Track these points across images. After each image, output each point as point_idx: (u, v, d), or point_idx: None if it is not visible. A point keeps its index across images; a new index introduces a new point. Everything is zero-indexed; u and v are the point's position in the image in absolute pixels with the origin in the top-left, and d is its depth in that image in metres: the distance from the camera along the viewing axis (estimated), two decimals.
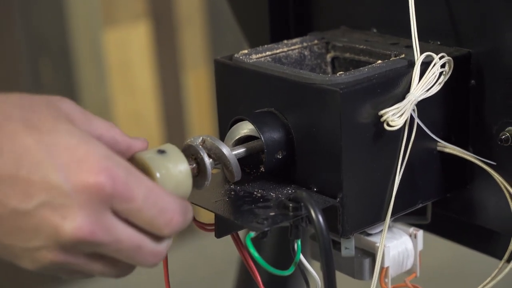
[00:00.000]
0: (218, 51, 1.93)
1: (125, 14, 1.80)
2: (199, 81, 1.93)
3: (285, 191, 0.61)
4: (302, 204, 0.57)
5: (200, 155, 0.59)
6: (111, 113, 1.81)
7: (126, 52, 1.81)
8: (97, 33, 1.77)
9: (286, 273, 0.59)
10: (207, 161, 0.59)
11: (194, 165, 0.59)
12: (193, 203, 0.62)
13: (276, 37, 0.76)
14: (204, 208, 0.60)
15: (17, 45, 1.66)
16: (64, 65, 1.73)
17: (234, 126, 0.63)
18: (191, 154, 0.59)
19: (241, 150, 0.62)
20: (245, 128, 0.62)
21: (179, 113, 1.92)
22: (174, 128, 1.92)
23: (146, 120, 1.87)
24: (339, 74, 0.60)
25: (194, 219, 0.64)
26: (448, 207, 0.70)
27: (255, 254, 0.56)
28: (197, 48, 1.91)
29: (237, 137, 0.63)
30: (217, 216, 0.61)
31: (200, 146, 0.59)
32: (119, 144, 0.55)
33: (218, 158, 0.60)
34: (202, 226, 0.64)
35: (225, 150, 0.60)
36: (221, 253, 1.84)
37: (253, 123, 0.61)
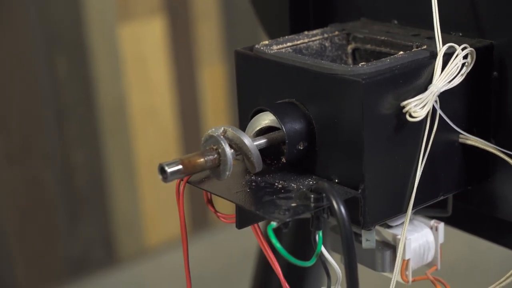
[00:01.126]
0: (234, 46, 1.93)
1: (141, 9, 1.80)
2: (215, 76, 1.93)
3: (306, 182, 0.61)
4: (324, 195, 0.57)
5: (222, 145, 0.59)
6: (126, 108, 1.81)
7: (141, 47, 1.81)
8: (113, 28, 1.77)
9: (308, 264, 0.59)
10: (228, 151, 0.58)
11: (216, 155, 0.59)
12: (214, 194, 0.62)
13: (296, 28, 0.76)
14: (225, 198, 0.60)
15: (32, 40, 1.66)
16: (79, 60, 1.73)
17: (255, 117, 0.63)
18: (212, 144, 0.59)
19: (262, 141, 0.61)
20: (266, 119, 0.62)
21: (195, 108, 1.92)
22: (189, 123, 1.92)
23: (162, 115, 1.87)
24: (361, 65, 0.60)
25: (215, 210, 0.64)
26: (468, 200, 0.70)
27: (277, 244, 0.55)
28: (213, 43, 1.91)
29: (258, 128, 0.63)
30: (238, 207, 0.61)
31: (222, 137, 0.59)
32: None
33: (239, 149, 0.60)
34: (223, 217, 0.64)
35: (247, 140, 0.60)
36: (236, 247, 1.85)
37: (274, 114, 0.61)
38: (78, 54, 1.73)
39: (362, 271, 0.63)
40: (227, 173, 0.59)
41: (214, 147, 0.59)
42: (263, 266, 0.95)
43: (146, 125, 1.86)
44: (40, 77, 1.68)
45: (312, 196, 0.58)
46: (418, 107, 0.60)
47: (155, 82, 1.85)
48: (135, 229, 1.88)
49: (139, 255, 1.89)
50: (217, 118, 1.96)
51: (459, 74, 0.62)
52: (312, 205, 0.57)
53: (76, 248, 1.79)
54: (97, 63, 1.75)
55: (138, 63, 1.81)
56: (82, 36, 1.72)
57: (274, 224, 0.56)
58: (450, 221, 0.72)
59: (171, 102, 1.88)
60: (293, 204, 0.58)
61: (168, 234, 1.92)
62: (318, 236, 0.59)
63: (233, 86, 1.95)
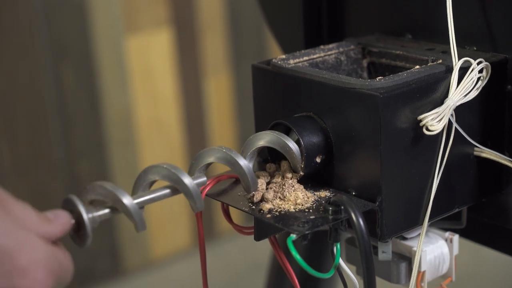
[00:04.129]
0: (239, 57, 1.94)
1: (147, 21, 1.81)
2: (221, 87, 1.94)
3: (323, 195, 0.62)
4: (342, 207, 0.58)
5: (78, 209, 0.55)
6: (133, 119, 1.82)
7: (148, 58, 1.82)
8: (119, 39, 1.77)
9: (327, 275, 0.59)
10: (85, 216, 0.55)
11: (73, 221, 0.55)
12: (232, 206, 0.62)
13: (310, 42, 0.77)
14: (244, 211, 0.61)
15: (40, 52, 1.67)
16: (86, 71, 1.74)
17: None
18: (70, 209, 0.55)
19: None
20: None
21: (201, 119, 1.93)
22: (195, 134, 1.92)
23: (168, 127, 1.88)
24: (378, 79, 0.61)
25: (233, 223, 0.65)
26: (482, 212, 0.70)
27: (297, 256, 0.56)
28: (219, 55, 1.92)
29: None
30: (256, 219, 0.62)
31: (78, 200, 0.55)
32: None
33: (116, 204, 0.56)
34: (241, 229, 0.65)
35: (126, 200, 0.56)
36: (242, 259, 1.85)
37: (292, 127, 0.62)
38: (85, 65, 1.73)
39: (378, 283, 0.64)
40: (88, 240, 0.56)
41: (72, 212, 0.55)
42: (275, 278, 0.95)
43: (152, 136, 1.86)
44: (47, 89, 1.68)
45: (331, 208, 0.58)
46: (435, 120, 0.60)
47: (161, 93, 1.86)
48: (141, 240, 1.88)
49: (144, 266, 1.89)
50: (222, 129, 1.96)
51: (475, 88, 0.63)
52: (331, 217, 0.58)
53: (82, 259, 1.80)
54: (104, 74, 1.76)
55: (144, 75, 1.82)
56: (89, 48, 1.73)
57: (293, 236, 0.57)
58: (464, 233, 0.73)
59: (177, 113, 1.88)
60: (311, 217, 0.58)
61: (174, 245, 1.92)
62: (336, 248, 0.60)
63: (238, 97, 1.95)
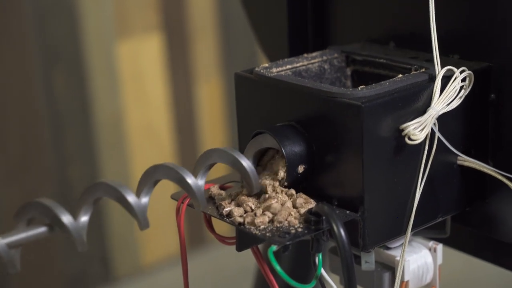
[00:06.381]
0: (231, 63, 1.93)
1: (138, 26, 1.80)
2: (212, 93, 1.93)
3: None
4: (323, 218, 0.57)
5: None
6: (124, 124, 1.81)
7: (139, 63, 1.82)
8: (110, 44, 1.77)
9: (308, 287, 0.59)
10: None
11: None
12: (214, 217, 0.62)
13: (295, 51, 0.77)
14: (225, 221, 0.60)
15: (30, 56, 1.66)
16: (77, 76, 1.73)
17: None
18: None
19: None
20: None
21: (191, 124, 1.93)
22: (186, 139, 1.92)
23: (159, 132, 1.88)
24: (361, 88, 0.60)
25: (214, 233, 0.65)
26: (467, 221, 0.70)
27: (278, 267, 0.56)
28: (210, 60, 1.91)
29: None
30: (238, 230, 0.61)
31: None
32: None
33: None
34: (223, 239, 0.64)
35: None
36: (233, 266, 1.84)
37: (274, 136, 0.62)
38: (76, 70, 1.73)
39: None
40: None
41: None
42: (260, 287, 0.95)
43: (143, 141, 1.86)
44: (38, 93, 1.68)
45: (312, 219, 0.58)
46: (417, 130, 0.60)
47: (152, 98, 1.85)
48: (132, 246, 1.87)
49: (135, 272, 1.89)
50: (214, 134, 1.96)
51: (458, 97, 0.63)
52: (312, 227, 0.58)
53: (73, 265, 1.79)
54: (95, 79, 1.76)
55: (135, 80, 1.82)
56: (80, 53, 1.73)
57: (274, 247, 0.56)
58: (448, 242, 0.72)
59: (168, 118, 1.88)
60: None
61: (165, 252, 1.92)
62: (318, 258, 0.60)
63: (230, 102, 1.95)
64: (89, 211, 0.56)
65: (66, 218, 0.53)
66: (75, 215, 0.55)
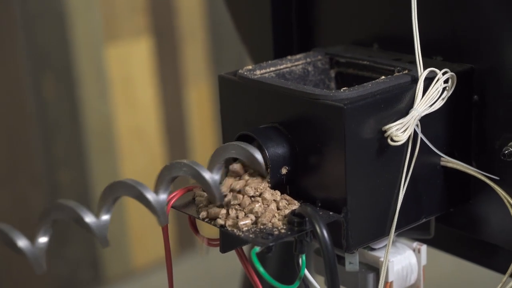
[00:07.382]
0: (220, 66, 1.93)
1: (127, 30, 1.80)
2: (201, 96, 1.93)
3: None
4: (307, 219, 0.58)
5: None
6: (113, 128, 1.81)
7: (128, 67, 1.82)
8: (99, 48, 1.77)
9: (292, 287, 0.59)
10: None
11: None
12: (197, 218, 0.62)
13: (280, 53, 0.77)
14: (208, 223, 0.61)
15: (19, 60, 1.66)
16: (66, 80, 1.73)
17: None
18: None
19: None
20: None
21: (181, 128, 1.93)
22: (175, 143, 1.92)
23: (148, 135, 1.88)
24: (343, 89, 0.60)
25: (199, 234, 0.65)
26: (451, 222, 0.70)
27: (261, 269, 0.56)
28: (199, 64, 1.91)
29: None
30: (222, 231, 0.61)
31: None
32: None
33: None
34: (207, 241, 0.64)
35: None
36: (223, 269, 1.84)
37: (257, 138, 0.62)
38: (65, 74, 1.73)
39: None
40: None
41: None
42: None
43: (133, 145, 1.86)
44: (27, 98, 1.68)
45: (296, 220, 0.58)
46: (400, 131, 0.60)
47: (142, 102, 1.85)
48: (122, 249, 1.87)
49: (126, 275, 1.88)
50: (203, 138, 1.96)
51: (440, 98, 0.63)
52: (296, 229, 0.58)
53: (63, 269, 1.79)
54: (84, 83, 1.76)
55: (124, 84, 1.82)
56: (69, 57, 1.73)
57: (257, 248, 0.56)
58: (433, 243, 0.73)
59: (158, 122, 1.88)
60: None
61: (155, 254, 1.92)
62: (302, 259, 0.60)
63: (219, 106, 1.95)
64: (110, 209, 0.59)
65: (89, 218, 0.57)
66: (97, 214, 0.58)
